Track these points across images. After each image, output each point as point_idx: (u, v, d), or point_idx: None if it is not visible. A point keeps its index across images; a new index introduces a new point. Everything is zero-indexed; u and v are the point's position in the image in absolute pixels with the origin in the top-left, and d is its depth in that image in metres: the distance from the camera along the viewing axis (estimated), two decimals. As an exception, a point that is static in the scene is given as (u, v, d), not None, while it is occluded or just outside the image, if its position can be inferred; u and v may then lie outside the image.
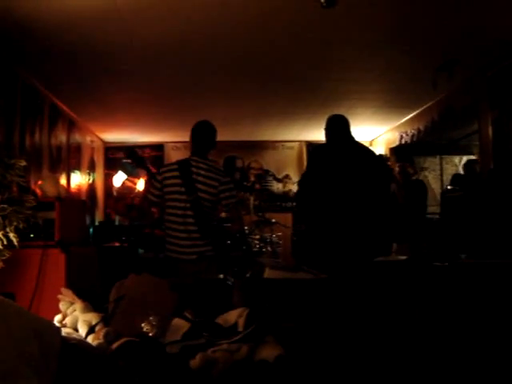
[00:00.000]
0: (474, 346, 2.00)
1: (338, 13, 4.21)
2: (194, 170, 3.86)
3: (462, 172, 6.45)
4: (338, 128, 4.34)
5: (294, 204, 9.33)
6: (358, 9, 4.34)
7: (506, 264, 2.42)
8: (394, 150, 8.30)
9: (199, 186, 3.81)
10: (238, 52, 5.40)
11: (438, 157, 8.09)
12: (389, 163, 7.14)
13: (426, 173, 8.04)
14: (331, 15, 4.21)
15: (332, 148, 4.32)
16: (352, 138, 4.33)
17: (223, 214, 3.93)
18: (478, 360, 1.92)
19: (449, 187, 6.03)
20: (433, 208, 6.49)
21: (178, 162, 4.00)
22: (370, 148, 5.14)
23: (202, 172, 3.86)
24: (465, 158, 8.09)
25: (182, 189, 3.82)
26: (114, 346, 1.93)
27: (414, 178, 6.28)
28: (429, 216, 6.18)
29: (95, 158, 9.28)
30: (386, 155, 7.72)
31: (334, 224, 4.05)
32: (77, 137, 8.01)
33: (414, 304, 2.30)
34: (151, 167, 4.14)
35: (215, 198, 3.86)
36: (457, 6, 4.34)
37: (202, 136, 4.02)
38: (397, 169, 6.29)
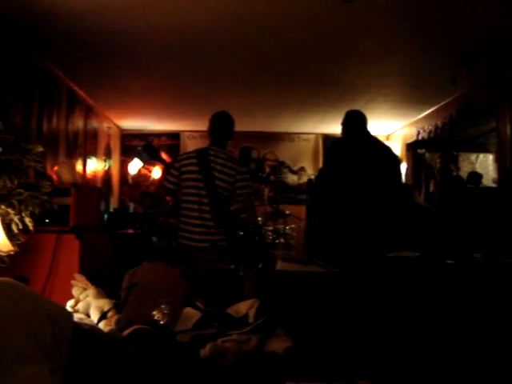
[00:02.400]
0: (483, 345, 1.99)
1: (359, 6, 4.19)
2: (212, 158, 3.87)
3: (478, 170, 6.21)
4: (355, 124, 4.33)
5: (307, 197, 9.28)
6: (379, 2, 4.31)
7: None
8: (412, 146, 8.21)
9: (216, 174, 3.83)
10: (256, 44, 5.39)
11: (454, 154, 8.02)
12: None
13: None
14: (351, 9, 4.19)
15: (348, 143, 4.32)
16: (368, 134, 4.32)
17: (235, 206, 3.92)
18: (488, 360, 1.91)
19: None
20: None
21: (197, 151, 4.02)
22: (386, 143, 5.10)
23: (220, 161, 3.87)
24: (481, 156, 8.02)
25: (200, 176, 3.83)
26: (125, 332, 1.94)
27: (454, 174, 6.20)
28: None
29: (111, 145, 9.32)
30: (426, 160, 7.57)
31: (349, 218, 4.05)
32: (94, 123, 8.05)
33: (424, 301, 2.30)
34: (166, 157, 4.15)
35: (232, 188, 3.86)
36: (479, 3, 4.30)
37: (221, 127, 4.03)
38: (438, 165, 6.22)
